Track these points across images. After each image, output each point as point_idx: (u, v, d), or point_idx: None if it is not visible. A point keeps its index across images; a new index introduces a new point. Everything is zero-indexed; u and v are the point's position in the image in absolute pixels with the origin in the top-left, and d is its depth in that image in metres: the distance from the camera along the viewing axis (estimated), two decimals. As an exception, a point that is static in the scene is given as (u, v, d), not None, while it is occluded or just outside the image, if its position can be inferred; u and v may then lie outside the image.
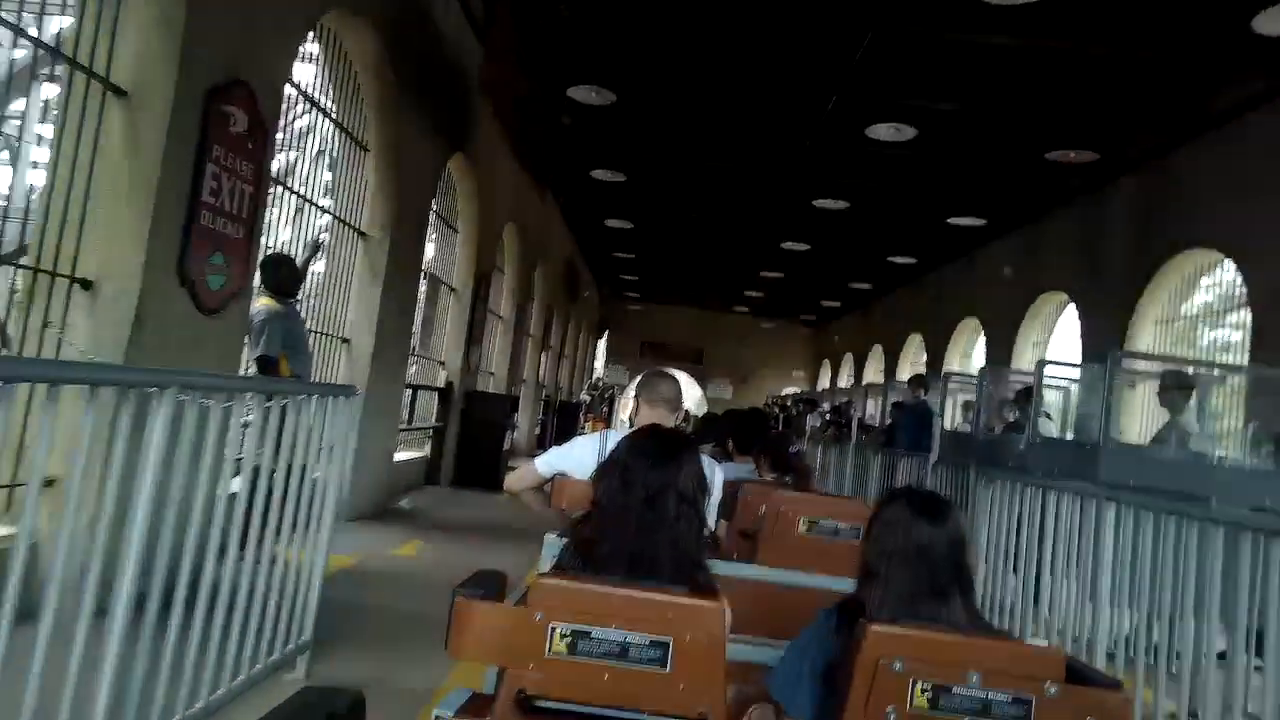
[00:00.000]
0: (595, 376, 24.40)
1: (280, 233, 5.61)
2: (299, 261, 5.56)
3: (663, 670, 1.42)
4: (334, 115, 6.20)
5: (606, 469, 1.85)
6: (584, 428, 19.28)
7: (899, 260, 15.63)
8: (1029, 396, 7.97)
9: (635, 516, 1.73)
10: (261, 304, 5.05)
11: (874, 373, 21.07)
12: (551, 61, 8.98)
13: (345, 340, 6.68)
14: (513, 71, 7.50)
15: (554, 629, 1.43)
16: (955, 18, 7.24)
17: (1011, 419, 8.82)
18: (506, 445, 10.34)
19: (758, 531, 3.11)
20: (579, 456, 2.81)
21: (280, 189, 5.53)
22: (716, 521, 2.96)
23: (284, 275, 5.13)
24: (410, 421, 8.93)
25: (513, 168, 9.76)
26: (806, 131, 10.29)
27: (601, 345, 28.91)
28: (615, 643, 1.43)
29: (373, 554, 5.74)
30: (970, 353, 15.48)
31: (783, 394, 22.83)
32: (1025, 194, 11.59)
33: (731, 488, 3.35)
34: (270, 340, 4.94)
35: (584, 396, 21.77)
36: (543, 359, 16.98)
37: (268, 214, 5.44)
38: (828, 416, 13.04)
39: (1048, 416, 6.93)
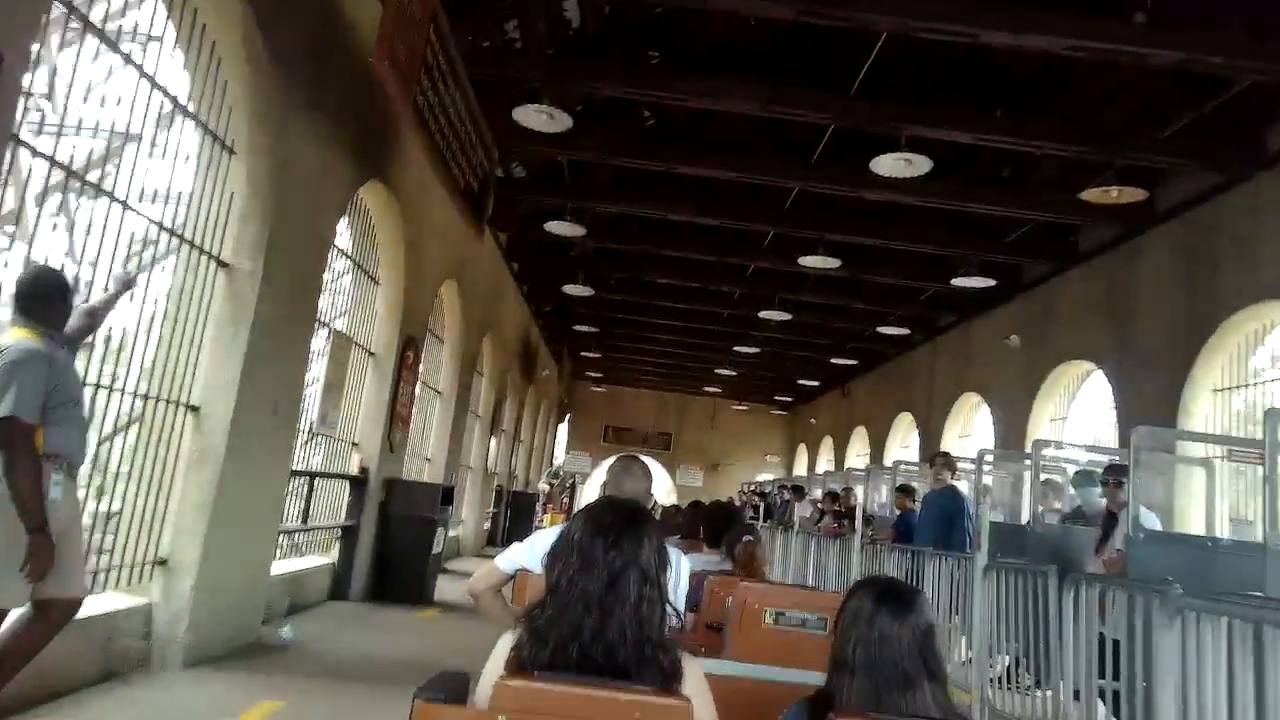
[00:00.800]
0: (556, 464, 22.41)
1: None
2: (99, 301, 3.79)
3: None
4: (179, 99, 4.53)
5: (562, 548, 1.67)
6: (542, 521, 17.23)
7: (889, 331, 14.19)
8: (1103, 477, 6.33)
9: (595, 599, 1.59)
10: (13, 338, 3.23)
11: (855, 457, 19.47)
12: (485, 70, 7.50)
13: (192, 408, 4.83)
14: (427, 74, 5.92)
15: None
16: (980, 14, 5.88)
17: (1059, 507, 7.16)
18: (437, 547, 8.39)
19: (724, 625, 3.05)
20: (540, 551, 2.55)
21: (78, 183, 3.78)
22: (684, 611, 2.88)
23: (49, 297, 3.33)
24: (306, 519, 6.97)
25: (450, 212, 8.13)
26: (794, 166, 8.87)
27: (563, 430, 27.00)
28: None
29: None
30: (969, 432, 13.96)
31: (758, 480, 21.01)
32: (1046, 244, 10.24)
33: (698, 579, 3.33)
34: (21, 395, 3.10)
35: (542, 486, 19.74)
36: (493, 444, 15.07)
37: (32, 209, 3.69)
38: (820, 505, 11.26)
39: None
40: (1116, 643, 4.35)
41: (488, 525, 16.33)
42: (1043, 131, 7.43)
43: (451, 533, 12.91)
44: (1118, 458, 5.56)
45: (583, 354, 20.66)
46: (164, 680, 4.40)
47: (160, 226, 4.41)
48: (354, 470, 7.86)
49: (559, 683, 1.46)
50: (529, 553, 2.72)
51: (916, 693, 1.59)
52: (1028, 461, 8.96)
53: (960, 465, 11.24)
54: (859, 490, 10.37)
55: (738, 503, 18.64)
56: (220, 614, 4.99)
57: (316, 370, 6.83)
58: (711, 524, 4.32)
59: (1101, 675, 4.39)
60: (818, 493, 13.05)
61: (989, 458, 7.57)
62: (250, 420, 5.08)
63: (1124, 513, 4.88)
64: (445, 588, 9.30)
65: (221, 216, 4.91)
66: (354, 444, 7.94)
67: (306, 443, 6.90)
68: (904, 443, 16.77)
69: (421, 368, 10.29)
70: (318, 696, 4.46)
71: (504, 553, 2.80)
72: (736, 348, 17.08)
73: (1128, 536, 4.69)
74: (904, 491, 8.25)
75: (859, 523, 8.80)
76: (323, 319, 6.68)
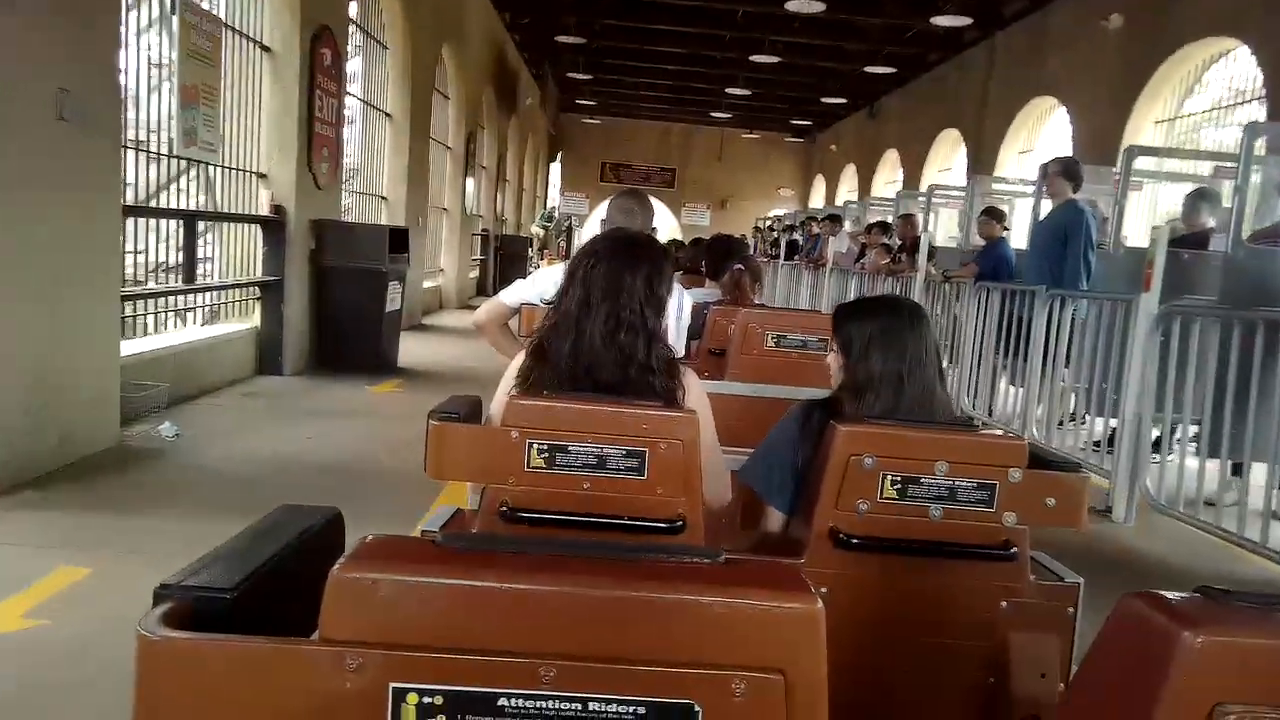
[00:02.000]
0: (550, 206, 20.34)
1: None
2: None
3: (640, 478, 1.43)
4: None
5: (564, 278, 1.71)
6: (537, 265, 15.54)
7: (944, 23, 11.51)
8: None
9: (585, 323, 1.61)
10: None
11: (884, 185, 17.35)
12: None
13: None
14: None
15: (531, 445, 1.42)
16: None
17: (1211, 224, 5.29)
18: (393, 304, 6.68)
19: (726, 350, 3.16)
20: (543, 286, 2.67)
21: None
22: (687, 344, 3.01)
23: None
24: (191, 277, 5.15)
25: None
26: None
27: (555, 169, 24.60)
28: (593, 454, 1.43)
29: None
30: (1032, 147, 11.77)
31: (774, 215, 19.05)
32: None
33: (698, 310, 3.38)
34: None
35: (534, 229, 17.87)
36: (470, 184, 12.96)
37: None
38: (861, 238, 9.41)
39: None
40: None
41: (475, 274, 14.69)
42: None
43: (429, 283, 11.28)
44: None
45: (569, 75, 17.78)
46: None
47: None
48: (264, 210, 5.94)
49: (568, 400, 1.49)
50: (531, 287, 2.74)
51: (936, 400, 1.66)
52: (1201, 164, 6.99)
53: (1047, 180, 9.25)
54: (926, 216, 8.43)
55: (750, 241, 16.86)
56: (22, 421, 3.33)
57: (167, 65, 4.70)
58: (713, 257, 4.30)
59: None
60: (847, 225, 11.12)
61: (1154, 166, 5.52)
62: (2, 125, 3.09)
63: None
64: (415, 349, 7.76)
65: None
66: (260, 175, 5.96)
67: (171, 170, 4.93)
68: (945, 164, 14.61)
69: (357, 81, 8.05)
70: (154, 551, 2.87)
71: (507, 288, 2.83)
72: (753, 57, 14.33)
73: None
74: (992, 215, 6.33)
75: (922, 257, 7.02)
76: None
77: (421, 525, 1.63)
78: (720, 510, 1.74)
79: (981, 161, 12.26)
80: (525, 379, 1.64)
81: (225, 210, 5.67)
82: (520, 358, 1.70)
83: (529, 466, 1.41)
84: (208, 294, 5.56)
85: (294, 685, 0.71)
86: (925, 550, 1.44)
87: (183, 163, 5.36)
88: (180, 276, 4.98)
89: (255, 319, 6.04)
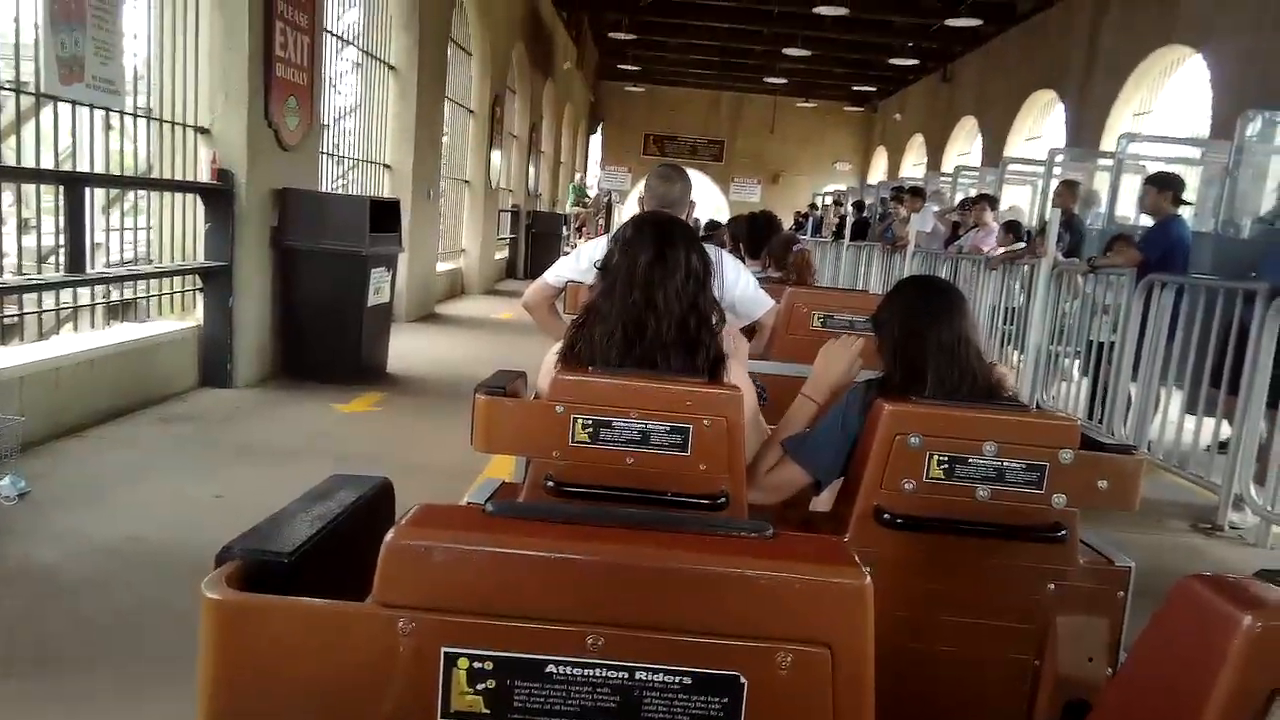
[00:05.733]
0: (579, 177, 18.85)
1: None
2: None
3: (684, 454, 1.43)
4: None
5: (603, 262, 1.73)
6: (573, 245, 14.13)
7: (1048, -40, 9.77)
8: None
9: (627, 306, 1.61)
10: None
11: (957, 157, 15.58)
12: None
13: None
14: None
15: (576, 420, 1.42)
16: None
17: None
18: (379, 295, 5.33)
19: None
20: (585, 262, 2.62)
21: None
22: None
23: None
24: (80, 264, 3.80)
25: None
26: None
27: (595, 142, 23.12)
28: (636, 430, 1.42)
29: None
30: (1149, 108, 10.00)
31: (832, 189, 17.36)
32: None
33: None
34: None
35: (569, 209, 16.43)
36: (497, 155, 11.56)
37: None
38: (951, 216, 7.80)
39: None
40: None
41: (504, 255, 13.36)
42: None
43: (446, 265, 9.96)
44: None
45: (611, 35, 16.22)
46: None
47: None
48: (203, 175, 4.61)
49: (613, 375, 1.49)
50: (574, 264, 2.70)
51: (976, 382, 1.62)
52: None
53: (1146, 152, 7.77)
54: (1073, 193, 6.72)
55: (807, 221, 15.27)
56: None
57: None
58: (753, 235, 4.23)
59: None
60: (930, 206, 9.40)
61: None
62: None
63: None
64: (416, 349, 6.45)
65: None
66: (199, 130, 4.62)
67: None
68: (1033, 133, 12.85)
69: (348, 20, 6.71)
70: None
71: (551, 269, 2.80)
72: (817, 9, 12.67)
73: None
74: (1166, 184, 4.72)
75: (1051, 239, 5.44)
76: None
77: (468, 496, 1.65)
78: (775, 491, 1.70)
79: (1084, 126, 10.55)
80: (565, 361, 1.63)
81: (140, 175, 4.34)
82: (561, 343, 1.70)
83: (573, 441, 1.41)
84: (127, 289, 4.23)
85: (350, 647, 0.73)
86: (971, 530, 1.43)
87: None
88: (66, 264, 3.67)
89: (198, 316, 4.75)
